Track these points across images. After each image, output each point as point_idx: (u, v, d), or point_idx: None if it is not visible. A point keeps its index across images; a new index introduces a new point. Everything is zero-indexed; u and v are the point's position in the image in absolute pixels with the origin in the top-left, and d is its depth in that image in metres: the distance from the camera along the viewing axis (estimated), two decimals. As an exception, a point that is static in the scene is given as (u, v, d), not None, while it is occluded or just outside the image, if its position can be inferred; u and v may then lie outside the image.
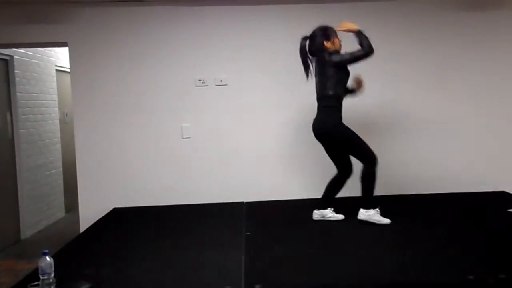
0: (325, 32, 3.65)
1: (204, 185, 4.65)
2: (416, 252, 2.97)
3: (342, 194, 4.39)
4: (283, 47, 4.58)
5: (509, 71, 4.70)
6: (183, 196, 4.58)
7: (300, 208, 4.16)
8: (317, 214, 3.78)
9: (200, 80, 4.62)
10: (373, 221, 3.57)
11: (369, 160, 3.63)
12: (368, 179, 3.63)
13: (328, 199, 3.80)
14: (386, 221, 3.57)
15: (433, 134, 4.72)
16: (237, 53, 4.60)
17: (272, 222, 3.82)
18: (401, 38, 4.64)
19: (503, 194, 4.49)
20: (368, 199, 3.64)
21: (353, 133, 3.63)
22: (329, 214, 3.77)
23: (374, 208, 3.63)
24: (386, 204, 4.30)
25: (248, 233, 3.49)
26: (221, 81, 4.63)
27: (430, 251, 2.98)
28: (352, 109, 4.66)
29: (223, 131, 4.65)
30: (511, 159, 4.73)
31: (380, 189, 4.58)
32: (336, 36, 3.65)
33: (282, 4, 4.57)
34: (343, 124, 3.63)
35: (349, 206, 3.91)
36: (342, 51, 3.63)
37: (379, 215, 3.60)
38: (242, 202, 4.46)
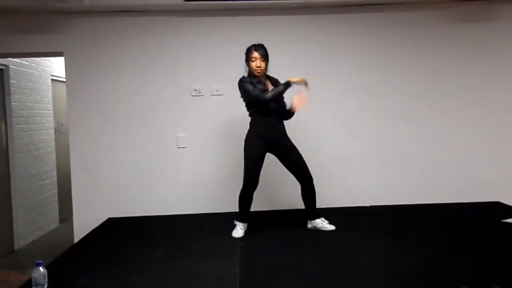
0: (245, 54, 3.70)
1: (199, 195, 4.64)
2: (410, 262, 2.98)
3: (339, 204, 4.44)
4: (279, 57, 4.60)
5: (500, 82, 4.74)
6: (178, 206, 4.57)
7: (295, 218, 4.16)
8: (309, 224, 3.84)
9: (196, 90, 4.63)
10: None
11: (244, 179, 3.70)
12: (239, 197, 3.73)
13: (309, 210, 3.82)
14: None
15: (426, 143, 4.74)
16: (234, 63, 4.59)
17: (267, 232, 3.82)
18: (394, 49, 4.68)
19: (497, 204, 4.51)
20: (239, 214, 3.76)
21: (248, 148, 3.69)
22: (319, 224, 3.80)
23: (241, 221, 3.74)
24: (379, 214, 4.33)
25: (243, 244, 3.49)
26: (217, 91, 4.64)
27: (424, 261, 2.99)
28: (349, 117, 4.71)
29: (219, 141, 4.66)
30: (505, 169, 4.75)
31: (373, 199, 4.64)
32: (250, 59, 3.61)
33: (278, 15, 4.61)
34: (250, 137, 3.71)
35: (344, 217, 3.92)
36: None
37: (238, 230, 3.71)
38: (237, 212, 4.46)
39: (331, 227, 3.77)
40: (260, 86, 3.60)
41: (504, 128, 4.76)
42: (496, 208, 4.39)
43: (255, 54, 3.58)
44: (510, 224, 3.81)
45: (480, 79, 4.74)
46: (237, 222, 3.78)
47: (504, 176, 4.74)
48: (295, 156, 3.72)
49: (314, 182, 3.78)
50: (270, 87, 3.67)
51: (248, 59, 3.64)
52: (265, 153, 3.75)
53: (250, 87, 3.58)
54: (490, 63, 4.73)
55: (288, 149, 3.73)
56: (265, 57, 3.58)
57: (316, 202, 3.80)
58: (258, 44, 3.63)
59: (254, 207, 4.45)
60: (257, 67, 3.57)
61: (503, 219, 3.92)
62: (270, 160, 4.56)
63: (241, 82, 3.65)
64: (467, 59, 4.72)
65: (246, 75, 3.71)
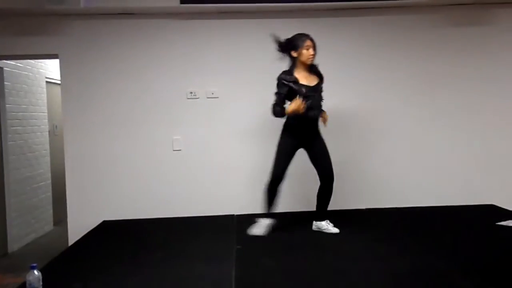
0: (292, 42, 3.65)
1: (194, 197, 4.63)
2: (406, 266, 2.98)
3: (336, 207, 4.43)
4: (274, 60, 4.60)
5: (497, 85, 4.77)
6: (174, 209, 4.55)
7: (290, 221, 4.16)
8: (314, 226, 3.84)
9: (191, 92, 4.63)
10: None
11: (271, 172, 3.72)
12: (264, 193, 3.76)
13: (319, 210, 3.82)
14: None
15: (421, 147, 4.76)
16: (229, 66, 4.62)
17: (263, 235, 3.81)
18: (390, 52, 4.70)
19: (491, 207, 4.53)
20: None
21: (280, 143, 3.70)
22: (324, 226, 3.80)
23: (266, 217, 3.76)
24: (376, 217, 4.34)
25: (239, 247, 3.48)
26: (212, 93, 4.64)
27: (419, 264, 2.99)
28: (340, 120, 4.72)
29: (214, 143, 4.66)
30: (499, 172, 4.78)
31: (371, 202, 4.65)
32: (303, 47, 3.59)
33: (274, 18, 4.61)
34: (284, 130, 3.71)
35: (341, 219, 3.92)
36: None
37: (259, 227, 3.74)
38: (232, 215, 4.46)
39: (335, 230, 3.76)
40: (283, 91, 3.62)
41: (499, 131, 4.79)
42: (490, 211, 4.41)
43: (309, 42, 3.58)
44: (505, 226, 3.82)
45: (476, 83, 4.76)
46: (259, 219, 3.79)
47: (499, 178, 4.76)
48: (320, 151, 3.71)
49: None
50: (307, 79, 3.63)
51: (298, 47, 3.59)
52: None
53: (277, 90, 3.65)
54: (487, 67, 4.75)
55: (316, 143, 3.72)
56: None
57: (328, 204, 3.80)
58: (309, 34, 3.62)
59: (251, 210, 4.48)
60: (311, 55, 3.59)
61: (498, 221, 3.94)
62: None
63: (278, 80, 3.68)
64: (463, 63, 4.74)
65: (289, 67, 3.69)
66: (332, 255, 3.26)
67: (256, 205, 4.55)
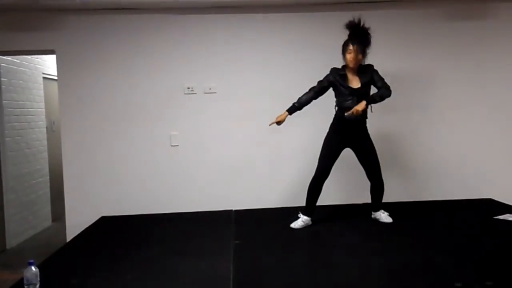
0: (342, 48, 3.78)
1: (192, 193, 4.63)
2: (404, 259, 2.99)
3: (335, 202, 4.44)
4: (272, 55, 4.61)
5: (494, 79, 4.77)
6: (171, 205, 4.55)
7: (289, 216, 4.15)
8: (372, 215, 4.00)
9: (188, 88, 4.62)
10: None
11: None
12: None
13: (374, 203, 3.97)
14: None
15: (419, 141, 4.76)
16: (226, 61, 4.61)
17: (261, 230, 3.82)
18: (387, 47, 4.68)
19: (489, 201, 4.54)
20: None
21: (326, 138, 3.82)
22: (378, 215, 3.95)
23: (305, 215, 3.84)
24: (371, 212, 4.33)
25: (237, 242, 3.48)
26: (210, 89, 4.63)
27: (418, 258, 3.00)
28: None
29: (212, 139, 4.65)
30: (497, 166, 4.78)
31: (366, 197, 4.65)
32: (346, 52, 3.70)
33: (271, 13, 4.60)
34: (331, 125, 3.84)
35: (339, 214, 3.92)
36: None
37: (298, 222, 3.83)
38: (230, 210, 4.46)
39: (388, 220, 3.88)
40: (321, 85, 3.80)
41: (498, 125, 4.78)
42: (488, 205, 4.41)
43: (350, 47, 3.68)
44: (502, 221, 3.83)
45: (475, 77, 4.75)
46: (300, 214, 3.86)
47: (497, 172, 4.76)
48: (367, 152, 3.82)
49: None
50: (353, 81, 3.72)
51: (342, 53, 3.74)
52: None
53: (321, 80, 3.81)
54: (486, 61, 4.74)
55: (365, 147, 3.83)
56: (361, 49, 3.67)
57: (381, 198, 3.93)
58: (355, 38, 3.69)
59: (249, 206, 4.48)
60: (353, 58, 3.67)
61: (496, 216, 3.95)
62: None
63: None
64: (463, 57, 4.73)
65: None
66: (330, 250, 3.27)
67: (254, 200, 4.57)
